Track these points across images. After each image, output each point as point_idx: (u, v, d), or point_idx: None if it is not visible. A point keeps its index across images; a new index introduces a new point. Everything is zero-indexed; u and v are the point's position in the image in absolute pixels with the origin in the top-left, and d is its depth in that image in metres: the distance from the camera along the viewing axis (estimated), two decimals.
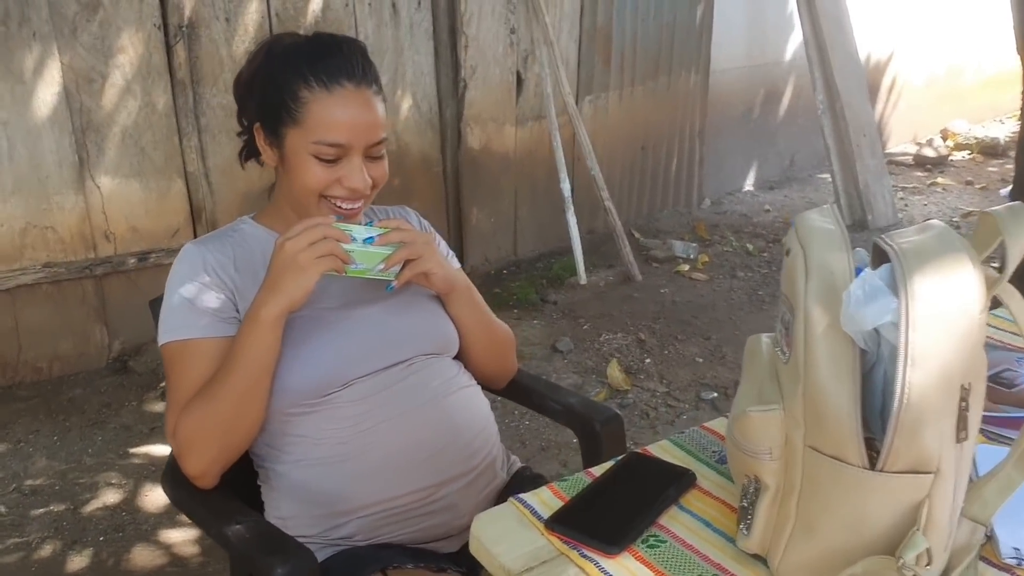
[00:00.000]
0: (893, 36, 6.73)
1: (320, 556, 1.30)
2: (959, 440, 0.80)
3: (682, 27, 5.21)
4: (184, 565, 2.42)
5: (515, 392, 1.67)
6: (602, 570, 0.93)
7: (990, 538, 0.95)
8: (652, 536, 0.99)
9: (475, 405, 1.44)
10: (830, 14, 5.20)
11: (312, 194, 1.35)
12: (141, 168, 3.48)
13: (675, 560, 0.95)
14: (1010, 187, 4.21)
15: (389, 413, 1.33)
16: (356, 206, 1.37)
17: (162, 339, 1.35)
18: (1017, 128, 5.05)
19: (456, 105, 4.30)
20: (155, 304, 1.42)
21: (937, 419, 0.78)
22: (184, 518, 2.46)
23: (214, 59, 3.54)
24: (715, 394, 3.31)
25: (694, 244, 4.91)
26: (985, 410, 0.85)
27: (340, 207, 1.36)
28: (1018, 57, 3.65)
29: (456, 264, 1.55)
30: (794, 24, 5.64)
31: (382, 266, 1.31)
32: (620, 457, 1.14)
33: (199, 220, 3.66)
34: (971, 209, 5.60)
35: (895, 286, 0.79)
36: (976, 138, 7.12)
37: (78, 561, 2.44)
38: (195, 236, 3.63)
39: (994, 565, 0.93)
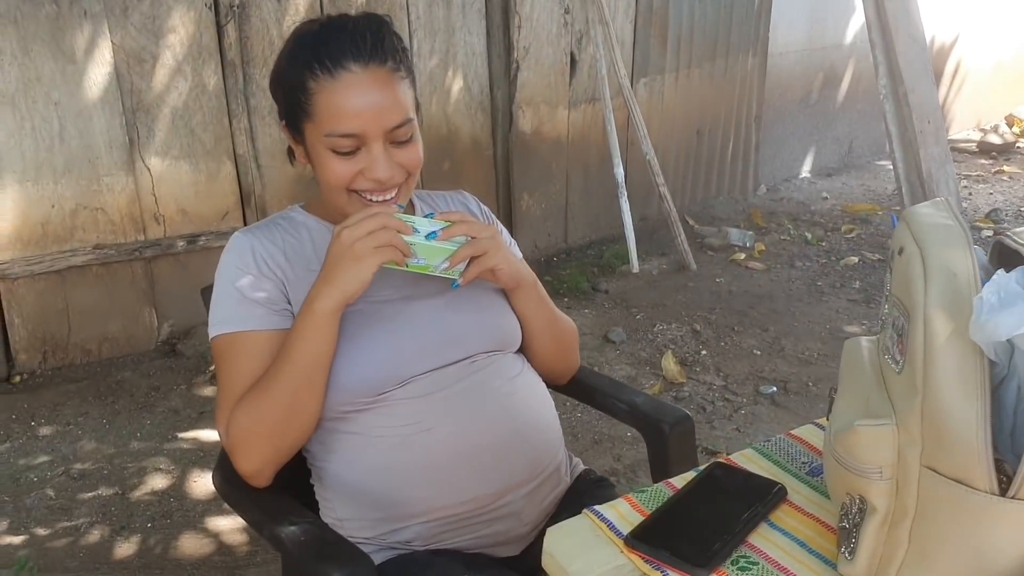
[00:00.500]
0: (958, 19, 6.53)
1: (377, 559, 1.24)
2: None
3: (740, 8, 5.07)
4: (232, 554, 2.38)
5: (577, 389, 1.59)
6: None
7: None
8: (742, 557, 0.91)
9: (541, 406, 1.36)
10: None
11: (337, 190, 1.26)
12: (191, 150, 3.45)
13: None
14: None
15: (449, 414, 1.25)
16: (388, 197, 1.27)
17: (212, 332, 1.29)
18: None
19: (508, 87, 4.21)
20: (207, 292, 1.37)
21: None
22: None
23: (264, 39, 3.49)
24: (774, 388, 3.20)
25: (750, 232, 4.78)
26: None
27: (370, 200, 1.26)
28: None
29: (519, 254, 1.47)
30: (855, 6, 5.48)
31: (446, 263, 1.22)
32: (702, 467, 1.05)
33: (248, 203, 3.62)
34: None
35: None
36: None
37: (125, 548, 2.41)
38: (244, 220, 3.61)
39: None
